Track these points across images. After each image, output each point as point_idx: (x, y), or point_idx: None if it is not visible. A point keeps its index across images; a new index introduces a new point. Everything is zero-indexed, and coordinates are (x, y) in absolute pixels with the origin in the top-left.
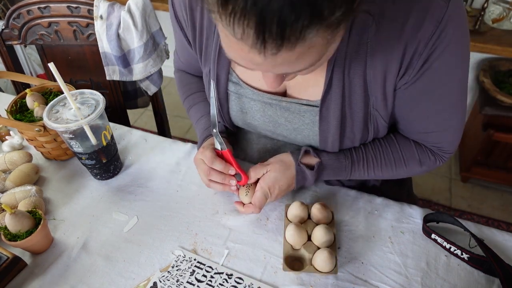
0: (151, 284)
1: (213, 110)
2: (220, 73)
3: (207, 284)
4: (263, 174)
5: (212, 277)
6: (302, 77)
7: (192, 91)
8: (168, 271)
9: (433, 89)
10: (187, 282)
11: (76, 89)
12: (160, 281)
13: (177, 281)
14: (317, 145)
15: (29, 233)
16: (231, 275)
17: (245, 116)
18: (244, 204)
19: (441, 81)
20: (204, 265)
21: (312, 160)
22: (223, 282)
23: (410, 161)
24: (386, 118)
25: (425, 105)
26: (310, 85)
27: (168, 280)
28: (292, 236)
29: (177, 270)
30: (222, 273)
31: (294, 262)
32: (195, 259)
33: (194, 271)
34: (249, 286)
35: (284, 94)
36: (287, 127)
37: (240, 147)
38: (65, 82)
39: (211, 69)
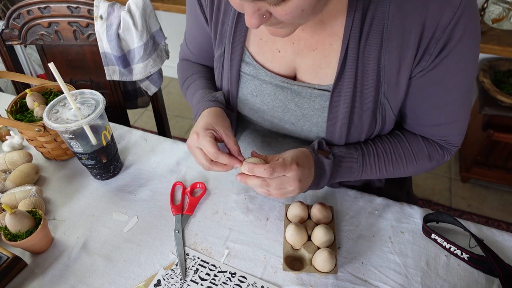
0: (154, 281)
1: None
2: (234, 52)
3: (210, 282)
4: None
5: (215, 275)
6: (313, 59)
7: (192, 72)
8: (172, 269)
9: (448, 78)
10: (191, 280)
11: (76, 89)
12: (164, 279)
13: (181, 279)
14: (323, 135)
15: (29, 233)
16: (235, 273)
17: (255, 100)
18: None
19: (456, 70)
20: (208, 263)
21: (325, 153)
22: (227, 280)
23: (419, 155)
24: (395, 109)
25: (438, 95)
26: (322, 68)
27: (172, 278)
28: (292, 236)
29: (180, 268)
30: (226, 271)
31: (294, 262)
32: (198, 258)
33: (197, 269)
34: (252, 284)
35: (295, 78)
36: (296, 113)
37: (244, 146)
38: (65, 82)
39: (225, 48)
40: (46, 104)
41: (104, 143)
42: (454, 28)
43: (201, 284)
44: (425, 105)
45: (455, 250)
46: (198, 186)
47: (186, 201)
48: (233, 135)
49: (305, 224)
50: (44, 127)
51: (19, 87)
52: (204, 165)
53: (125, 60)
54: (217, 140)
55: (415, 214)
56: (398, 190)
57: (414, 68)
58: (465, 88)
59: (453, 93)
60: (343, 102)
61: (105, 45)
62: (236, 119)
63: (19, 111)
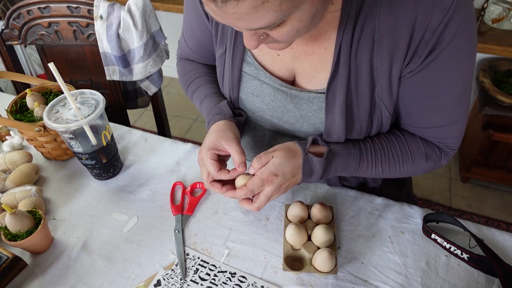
0: (154, 281)
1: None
2: (236, 51)
3: (210, 282)
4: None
5: (215, 275)
6: (310, 64)
7: (196, 76)
8: (172, 269)
9: (437, 81)
10: (191, 280)
11: (76, 89)
12: (164, 279)
13: (181, 279)
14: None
15: (29, 233)
16: (235, 273)
17: (256, 100)
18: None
19: (446, 73)
20: (208, 263)
21: (321, 149)
22: (227, 280)
23: (416, 154)
24: (391, 109)
25: (428, 97)
26: (318, 71)
27: (172, 278)
28: (292, 236)
29: (180, 268)
30: (226, 271)
31: (294, 262)
32: (198, 258)
33: (197, 269)
34: (252, 285)
35: (293, 81)
36: (294, 113)
37: (244, 146)
38: (65, 82)
39: (227, 47)
40: (46, 104)
41: (104, 143)
42: (444, 30)
43: (201, 284)
44: (416, 106)
45: (455, 250)
46: (198, 186)
47: (186, 201)
48: (237, 144)
49: (305, 224)
50: (44, 127)
51: (19, 87)
52: (205, 184)
53: (125, 60)
54: (222, 155)
55: (415, 214)
56: (398, 190)
57: (403, 69)
58: (458, 91)
59: (445, 95)
60: (338, 103)
61: (105, 45)
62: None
63: (19, 111)
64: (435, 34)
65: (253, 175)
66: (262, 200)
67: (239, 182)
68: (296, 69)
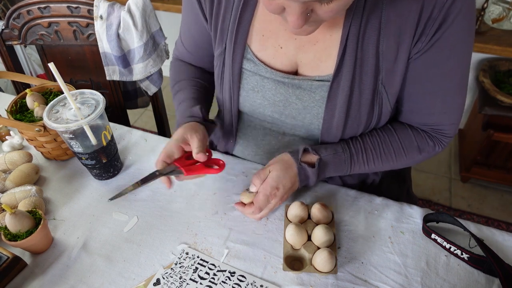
0: (154, 280)
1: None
2: (236, 49)
3: (209, 281)
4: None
5: (215, 274)
6: (314, 53)
7: (182, 78)
8: (172, 268)
9: (442, 62)
10: (190, 279)
11: (76, 89)
12: (163, 278)
13: (180, 278)
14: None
15: (29, 233)
16: (234, 272)
17: (256, 96)
18: (245, 205)
19: (451, 52)
20: (207, 262)
21: (312, 157)
22: (226, 279)
23: (409, 149)
24: (392, 99)
25: (433, 80)
26: (322, 61)
27: (171, 277)
28: (292, 236)
29: (180, 267)
30: (225, 270)
31: (294, 262)
32: (198, 257)
33: (197, 268)
34: (251, 284)
35: (296, 74)
36: (297, 105)
37: (244, 145)
38: (65, 82)
39: (227, 45)
40: (46, 104)
41: (104, 143)
42: (450, 7)
43: (200, 283)
44: (421, 90)
45: (455, 250)
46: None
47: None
48: (198, 137)
49: (305, 224)
50: (44, 127)
51: (19, 87)
52: (157, 161)
53: (125, 60)
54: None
55: (415, 214)
56: (398, 187)
57: (412, 48)
58: (459, 75)
59: (448, 78)
60: (341, 91)
61: (105, 45)
62: (237, 118)
63: (19, 111)
64: (442, 11)
65: (256, 192)
66: (266, 212)
67: (245, 199)
68: (300, 60)
